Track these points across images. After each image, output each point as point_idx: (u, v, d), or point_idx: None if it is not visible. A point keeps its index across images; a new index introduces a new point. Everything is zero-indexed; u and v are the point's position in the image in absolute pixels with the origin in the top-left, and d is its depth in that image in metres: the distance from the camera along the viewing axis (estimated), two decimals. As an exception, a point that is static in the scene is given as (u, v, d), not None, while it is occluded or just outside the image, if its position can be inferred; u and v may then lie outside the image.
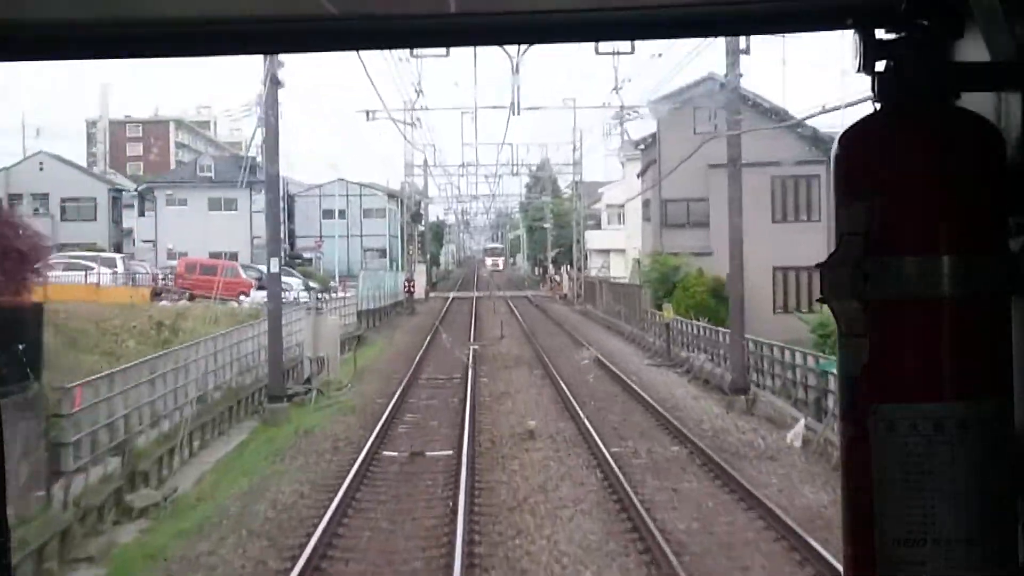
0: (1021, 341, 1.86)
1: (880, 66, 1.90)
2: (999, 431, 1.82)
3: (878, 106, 1.90)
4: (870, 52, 1.91)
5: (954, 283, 1.80)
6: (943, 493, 1.81)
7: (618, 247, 78.70)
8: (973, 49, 1.92)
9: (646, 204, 59.14)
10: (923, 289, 1.81)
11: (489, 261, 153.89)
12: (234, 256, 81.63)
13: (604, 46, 28.76)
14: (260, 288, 61.02)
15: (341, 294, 55.36)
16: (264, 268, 68.24)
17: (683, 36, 2.59)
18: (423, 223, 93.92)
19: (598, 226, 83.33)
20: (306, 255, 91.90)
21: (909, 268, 1.81)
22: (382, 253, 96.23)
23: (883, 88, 1.90)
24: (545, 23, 2.27)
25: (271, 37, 2.27)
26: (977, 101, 1.90)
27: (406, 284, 70.12)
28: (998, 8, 1.85)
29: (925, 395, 1.82)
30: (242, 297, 53.62)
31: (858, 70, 1.92)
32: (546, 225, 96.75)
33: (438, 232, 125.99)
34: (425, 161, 78.47)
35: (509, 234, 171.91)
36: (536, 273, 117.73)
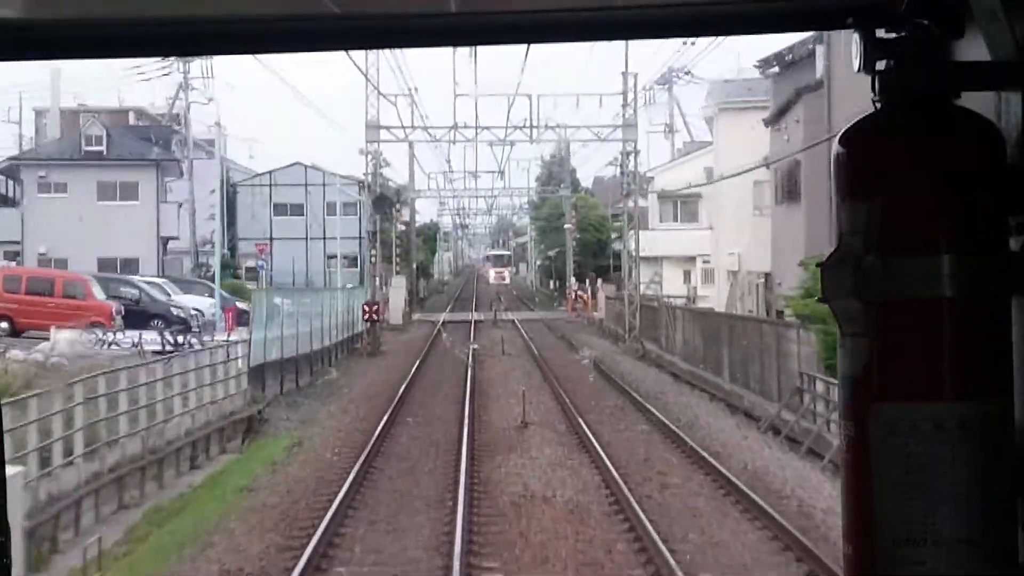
0: (1021, 341, 1.99)
1: (881, 65, 2.03)
2: (999, 431, 1.95)
3: (879, 105, 2.05)
4: (871, 51, 2.02)
5: (954, 283, 1.91)
6: (943, 493, 1.91)
7: (683, 253, 63.65)
8: (973, 49, 2.06)
9: (788, 174, 32.04)
10: (923, 289, 1.91)
11: (492, 272, 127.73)
12: (131, 264, 56.39)
13: None
14: (134, 313, 35.59)
15: (224, 336, 29.00)
16: (151, 282, 42.20)
17: (683, 36, 3.07)
18: (409, 218, 69.80)
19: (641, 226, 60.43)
20: (248, 264, 67.21)
21: (909, 268, 1.91)
22: (352, 261, 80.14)
23: (884, 87, 2.02)
24: (545, 23, 2.40)
25: (273, 36, 2.38)
26: (977, 101, 2.04)
27: (366, 310, 43.24)
28: (998, 8, 1.98)
29: (925, 395, 1.92)
30: (93, 329, 36.73)
31: (858, 69, 2.03)
32: (568, 225, 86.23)
33: (431, 236, 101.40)
34: (407, 140, 54.12)
35: (513, 240, 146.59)
36: (551, 287, 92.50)
